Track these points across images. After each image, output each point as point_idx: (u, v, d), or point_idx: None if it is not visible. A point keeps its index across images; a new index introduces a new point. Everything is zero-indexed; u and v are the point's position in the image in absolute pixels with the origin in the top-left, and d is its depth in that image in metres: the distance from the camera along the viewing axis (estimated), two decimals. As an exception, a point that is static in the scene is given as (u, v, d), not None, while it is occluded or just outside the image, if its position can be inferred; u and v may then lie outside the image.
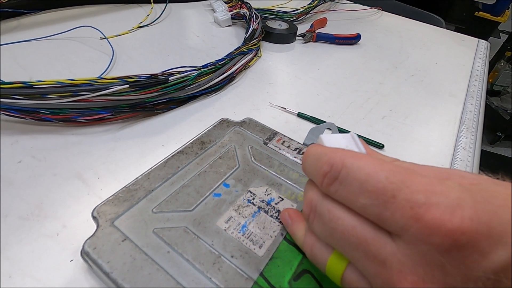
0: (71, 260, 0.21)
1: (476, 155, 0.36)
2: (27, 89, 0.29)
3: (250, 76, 0.46)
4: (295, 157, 0.26)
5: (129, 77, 0.32)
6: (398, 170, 0.13)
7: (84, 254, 0.18)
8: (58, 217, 0.24)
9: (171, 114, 0.36)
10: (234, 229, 0.20)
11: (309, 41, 0.56)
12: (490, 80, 1.70)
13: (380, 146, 0.35)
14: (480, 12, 1.82)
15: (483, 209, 0.12)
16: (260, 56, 0.51)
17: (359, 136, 0.36)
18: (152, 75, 0.34)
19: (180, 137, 0.33)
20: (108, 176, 0.28)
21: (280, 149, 0.27)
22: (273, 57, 0.51)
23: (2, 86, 0.28)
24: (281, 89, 0.44)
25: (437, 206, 0.12)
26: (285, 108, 0.39)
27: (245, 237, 0.20)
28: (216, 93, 0.41)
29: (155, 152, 0.30)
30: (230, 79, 0.43)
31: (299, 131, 0.36)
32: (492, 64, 1.72)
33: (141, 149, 0.31)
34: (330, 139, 0.17)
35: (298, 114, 0.38)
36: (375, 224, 0.13)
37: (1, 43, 0.42)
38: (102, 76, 0.39)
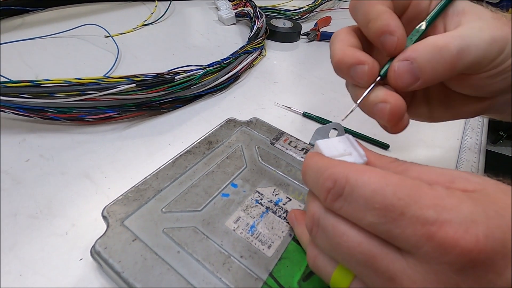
0: (81, 259, 0.21)
1: (482, 156, 0.36)
2: (35, 88, 0.29)
3: (255, 75, 0.46)
4: (302, 157, 0.26)
5: (135, 76, 0.33)
6: (404, 184, 0.13)
7: (95, 253, 0.18)
8: (67, 216, 0.24)
9: (176, 113, 0.36)
10: (242, 229, 0.20)
11: (314, 40, 0.56)
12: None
13: (386, 146, 0.35)
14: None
15: (496, 224, 0.11)
16: (265, 55, 0.51)
17: (364, 137, 0.36)
18: (158, 74, 0.34)
19: (186, 137, 0.33)
20: (116, 175, 0.28)
21: (287, 149, 0.27)
22: (277, 56, 0.51)
23: (9, 85, 0.28)
24: (286, 88, 0.44)
25: (449, 223, 0.11)
26: (290, 108, 0.39)
27: (254, 237, 0.20)
28: (221, 92, 0.41)
29: (162, 151, 0.31)
30: (235, 78, 0.43)
31: (305, 131, 0.36)
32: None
33: (148, 148, 0.31)
34: (327, 146, 0.17)
35: (303, 113, 0.38)
36: (382, 239, 0.13)
37: (7, 41, 0.42)
38: (107, 75, 0.39)
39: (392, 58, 0.17)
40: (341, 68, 0.18)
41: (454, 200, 0.12)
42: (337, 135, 0.21)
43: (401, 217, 0.12)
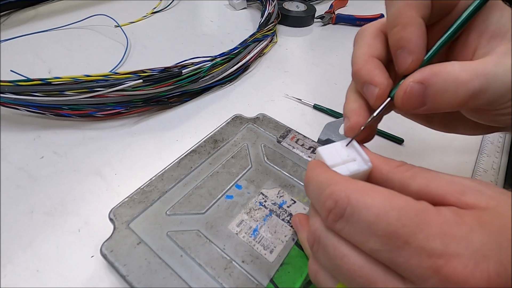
0: (92, 256, 0.22)
1: (505, 151, 0.34)
2: (45, 86, 0.29)
3: (265, 64, 0.44)
4: (309, 157, 0.26)
5: (142, 71, 0.32)
6: (410, 208, 0.12)
7: (102, 256, 0.19)
8: (79, 213, 0.25)
9: (185, 107, 0.36)
10: (245, 233, 0.21)
11: (328, 23, 0.54)
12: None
13: (400, 141, 0.34)
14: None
15: (508, 258, 0.10)
16: (276, 41, 0.49)
17: (378, 131, 0.34)
18: (165, 68, 0.34)
19: (194, 131, 0.33)
20: (125, 172, 0.28)
21: (293, 147, 0.26)
22: (289, 42, 0.49)
23: (21, 83, 0.29)
24: (297, 78, 0.42)
25: (458, 257, 0.10)
26: (300, 100, 0.38)
27: (256, 241, 0.20)
28: (230, 84, 0.40)
29: (170, 148, 0.31)
30: (244, 68, 0.42)
31: (315, 125, 0.35)
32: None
33: (156, 144, 0.31)
34: (329, 153, 0.17)
35: (314, 106, 0.37)
36: (385, 265, 0.12)
37: (22, 34, 0.43)
38: (117, 68, 0.39)
39: (404, 77, 0.16)
40: (356, 80, 0.17)
41: (463, 229, 0.11)
42: None
43: (406, 246, 0.11)
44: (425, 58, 0.16)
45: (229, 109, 0.36)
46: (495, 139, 0.35)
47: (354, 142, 0.17)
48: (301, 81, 0.42)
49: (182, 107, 0.36)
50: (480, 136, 0.35)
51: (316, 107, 0.37)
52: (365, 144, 0.18)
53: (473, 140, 0.35)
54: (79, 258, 0.22)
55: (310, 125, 0.35)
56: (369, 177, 0.16)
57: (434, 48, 0.16)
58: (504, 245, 0.11)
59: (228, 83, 0.40)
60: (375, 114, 0.16)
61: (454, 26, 0.16)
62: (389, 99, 0.16)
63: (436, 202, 0.14)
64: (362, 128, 0.17)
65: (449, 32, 0.16)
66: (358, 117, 0.17)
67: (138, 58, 0.42)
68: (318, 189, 0.15)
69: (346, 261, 0.13)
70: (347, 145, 0.17)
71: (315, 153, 0.26)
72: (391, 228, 0.12)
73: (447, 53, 0.18)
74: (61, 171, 0.28)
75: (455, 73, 0.14)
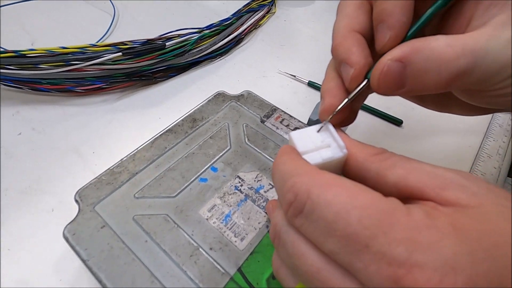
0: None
1: (514, 136, 0.31)
2: (20, 58, 0.28)
3: (260, 37, 0.41)
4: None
5: (122, 43, 0.30)
6: (375, 207, 0.10)
7: (64, 239, 0.18)
8: (54, 192, 0.24)
9: (171, 82, 0.34)
10: (216, 218, 0.19)
11: (333, -8, 0.49)
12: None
13: (399, 122, 0.31)
14: None
15: (484, 272, 0.09)
16: (274, 12, 0.45)
17: (375, 111, 0.32)
18: (148, 40, 0.32)
19: (179, 109, 0.31)
20: (103, 150, 0.27)
21: (278, 128, 0.25)
22: (289, 13, 0.46)
23: (-5, 56, 0.28)
24: (294, 53, 0.39)
25: (422, 268, 0.09)
26: (295, 76, 0.36)
27: (227, 227, 0.19)
28: (221, 58, 0.38)
29: (152, 126, 0.29)
30: (237, 41, 0.39)
31: (308, 103, 0.33)
32: None
33: (138, 121, 0.30)
34: (302, 138, 0.15)
35: (308, 83, 0.35)
36: (344, 268, 0.11)
37: (6, 4, 0.41)
38: (102, 40, 0.37)
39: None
40: (334, 57, 0.15)
41: (434, 235, 0.10)
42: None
43: (365, 251, 0.10)
44: (409, 33, 0.13)
45: (218, 85, 0.34)
46: (505, 121, 0.32)
47: (330, 126, 0.15)
48: (298, 56, 0.39)
49: (168, 82, 0.34)
50: (488, 118, 0.33)
51: (311, 84, 0.35)
52: (350, 127, 0.16)
53: (480, 122, 0.32)
54: (50, 238, 0.22)
55: (303, 104, 0.33)
56: (345, 166, 0.15)
57: (419, 21, 0.14)
58: (479, 256, 0.09)
59: (219, 57, 0.37)
60: (350, 96, 0.14)
61: None
62: (366, 80, 0.14)
63: (415, 196, 0.12)
64: (335, 111, 0.15)
65: (438, 2, 0.13)
66: (333, 99, 0.15)
67: (126, 29, 0.40)
68: (281, 179, 0.13)
69: (304, 261, 0.12)
70: (319, 130, 0.15)
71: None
72: (351, 229, 0.10)
73: (439, 25, 0.15)
74: (38, 148, 0.27)
75: (440, 50, 0.12)
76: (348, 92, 0.15)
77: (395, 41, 0.13)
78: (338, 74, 0.15)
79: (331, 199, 0.11)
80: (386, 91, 0.13)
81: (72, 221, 0.19)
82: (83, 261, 0.17)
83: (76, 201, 0.20)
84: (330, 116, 0.15)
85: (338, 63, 0.15)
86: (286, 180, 0.13)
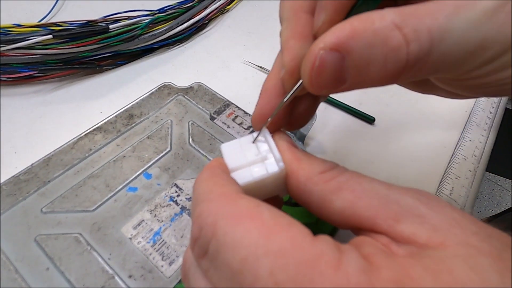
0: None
1: (493, 131, 0.29)
2: None
3: (227, 23, 0.38)
4: (246, 139, 0.21)
5: (55, 24, 0.26)
6: (294, 255, 0.08)
7: None
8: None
9: (118, 71, 0.30)
10: (142, 237, 0.16)
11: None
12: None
13: (371, 120, 0.29)
14: None
15: None
16: (244, -4, 0.41)
17: (346, 107, 0.29)
18: (89, 22, 0.27)
19: (125, 101, 0.27)
20: (28, 150, 0.23)
21: (228, 127, 0.21)
22: (260, -2, 0.42)
23: None
24: (262, 42, 0.36)
25: None
26: (261, 67, 0.32)
27: (155, 249, 0.16)
28: (180, 45, 0.34)
29: (90, 121, 0.25)
30: (199, 27, 0.35)
31: (273, 98, 0.30)
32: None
33: (74, 116, 0.26)
34: (233, 151, 0.12)
35: (275, 75, 0.31)
36: None
37: None
38: (44, 21, 0.33)
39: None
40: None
41: None
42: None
43: None
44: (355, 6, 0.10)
45: (172, 76, 0.30)
46: (483, 119, 0.30)
47: (267, 135, 0.12)
48: (266, 45, 0.35)
49: (115, 71, 0.30)
50: (465, 116, 0.30)
51: (278, 77, 0.31)
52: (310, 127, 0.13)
53: (456, 120, 0.30)
54: None
55: (267, 98, 0.30)
56: (288, 185, 0.12)
57: None
58: None
59: (177, 44, 0.33)
60: (284, 99, 0.11)
61: None
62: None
63: (364, 227, 0.09)
64: (270, 118, 0.12)
65: None
66: (267, 102, 0.12)
67: (74, 10, 0.35)
68: (193, 204, 0.10)
69: None
70: (254, 140, 0.12)
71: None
72: (259, 286, 0.07)
73: None
74: None
75: (385, 32, 0.09)
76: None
77: (330, 26, 0.10)
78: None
79: (239, 239, 0.08)
80: (321, 90, 0.10)
81: (-47, 244, 0.15)
82: (-41, 297, 0.13)
83: (-35, 217, 0.16)
84: (264, 125, 0.12)
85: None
86: (196, 206, 0.10)
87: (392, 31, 0.09)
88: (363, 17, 0.09)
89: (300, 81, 0.11)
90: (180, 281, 0.15)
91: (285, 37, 0.11)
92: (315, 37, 0.11)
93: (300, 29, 0.11)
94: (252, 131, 0.21)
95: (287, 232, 0.08)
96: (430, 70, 0.10)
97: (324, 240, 0.08)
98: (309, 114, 0.14)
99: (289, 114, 0.13)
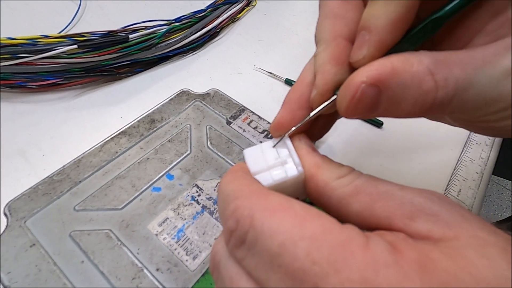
0: None
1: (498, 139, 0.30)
2: (-41, 50, 0.25)
3: (237, 31, 0.39)
4: (261, 142, 0.22)
5: (79, 35, 0.28)
6: (327, 239, 0.09)
7: (-15, 260, 0.16)
8: (-7, 201, 0.22)
9: (136, 78, 0.31)
10: (167, 234, 0.17)
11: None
12: None
13: (379, 124, 0.30)
14: None
15: None
16: (255, 5, 0.43)
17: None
18: (110, 32, 0.29)
19: (143, 107, 0.29)
20: (54, 153, 0.25)
21: (244, 130, 0.22)
22: (270, 6, 0.43)
23: None
24: (272, 49, 0.37)
25: None
26: (272, 73, 0.33)
27: (179, 244, 0.17)
28: (193, 53, 0.35)
29: (111, 126, 0.27)
30: (211, 35, 0.36)
31: (284, 103, 0.31)
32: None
33: (96, 121, 0.27)
34: (255, 156, 0.13)
35: (285, 80, 0.33)
36: None
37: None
38: (64, 32, 0.34)
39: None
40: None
41: (394, 276, 0.08)
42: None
43: None
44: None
45: (187, 82, 0.31)
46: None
47: (287, 140, 0.13)
48: (276, 52, 0.37)
49: (133, 79, 0.31)
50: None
51: (288, 82, 0.32)
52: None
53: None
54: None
55: (278, 103, 0.30)
56: (307, 187, 0.13)
57: (416, 29, 0.11)
58: None
59: (191, 52, 0.35)
60: (311, 115, 0.13)
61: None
62: (334, 96, 0.12)
63: (382, 226, 0.10)
64: (293, 128, 0.13)
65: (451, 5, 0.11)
66: (288, 113, 0.13)
67: (93, 20, 0.37)
68: (223, 202, 0.11)
69: None
70: (274, 145, 0.13)
71: (269, 138, 0.22)
72: (298, 265, 0.08)
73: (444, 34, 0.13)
74: (-21, 151, 0.24)
75: (420, 77, 0.10)
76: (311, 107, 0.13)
77: (371, 60, 0.11)
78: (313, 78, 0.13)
79: (275, 227, 0.09)
80: (353, 116, 0.11)
81: (-4, 239, 0.16)
82: (5, 287, 0.15)
83: (5, 214, 0.17)
84: (287, 132, 0.13)
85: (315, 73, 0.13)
86: (228, 203, 0.11)
87: (426, 75, 0.10)
88: (402, 58, 0.10)
89: (327, 102, 0.12)
90: (203, 274, 0.16)
91: (322, 60, 0.12)
92: (351, 66, 0.12)
93: (338, 55, 0.12)
94: (268, 135, 0.22)
95: (318, 220, 0.09)
96: (448, 112, 0.11)
97: (351, 227, 0.09)
98: (326, 129, 0.15)
99: (308, 127, 0.14)
